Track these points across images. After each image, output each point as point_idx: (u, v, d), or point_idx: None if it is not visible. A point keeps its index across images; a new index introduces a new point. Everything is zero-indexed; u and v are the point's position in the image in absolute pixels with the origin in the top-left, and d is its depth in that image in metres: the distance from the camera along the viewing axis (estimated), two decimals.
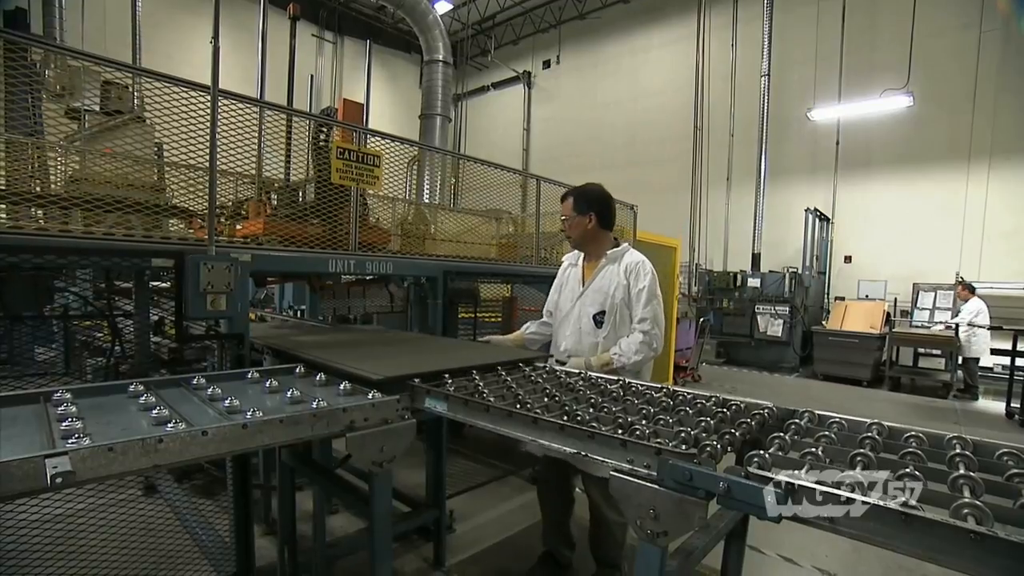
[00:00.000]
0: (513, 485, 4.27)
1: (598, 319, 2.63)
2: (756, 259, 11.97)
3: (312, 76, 16.18)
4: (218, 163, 2.55)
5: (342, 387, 1.80)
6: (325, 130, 3.28)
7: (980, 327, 8.48)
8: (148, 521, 2.86)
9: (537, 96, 17.93)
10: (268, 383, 1.85)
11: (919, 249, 10.86)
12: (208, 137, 2.46)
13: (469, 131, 19.65)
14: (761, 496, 1.03)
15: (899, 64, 10.45)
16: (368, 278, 3.89)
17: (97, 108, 3.28)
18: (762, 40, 11.75)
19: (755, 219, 11.98)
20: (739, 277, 11.43)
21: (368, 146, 3.18)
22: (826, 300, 11.93)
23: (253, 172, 3.27)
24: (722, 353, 11.68)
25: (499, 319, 5.16)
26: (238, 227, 3.36)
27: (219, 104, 2.51)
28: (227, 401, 1.60)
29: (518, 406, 1.57)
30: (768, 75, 11.79)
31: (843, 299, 11.17)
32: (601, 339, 2.62)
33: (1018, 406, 6.92)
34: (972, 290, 8.86)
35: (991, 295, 9.04)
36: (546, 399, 1.69)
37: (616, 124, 15.48)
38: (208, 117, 2.46)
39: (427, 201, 5.51)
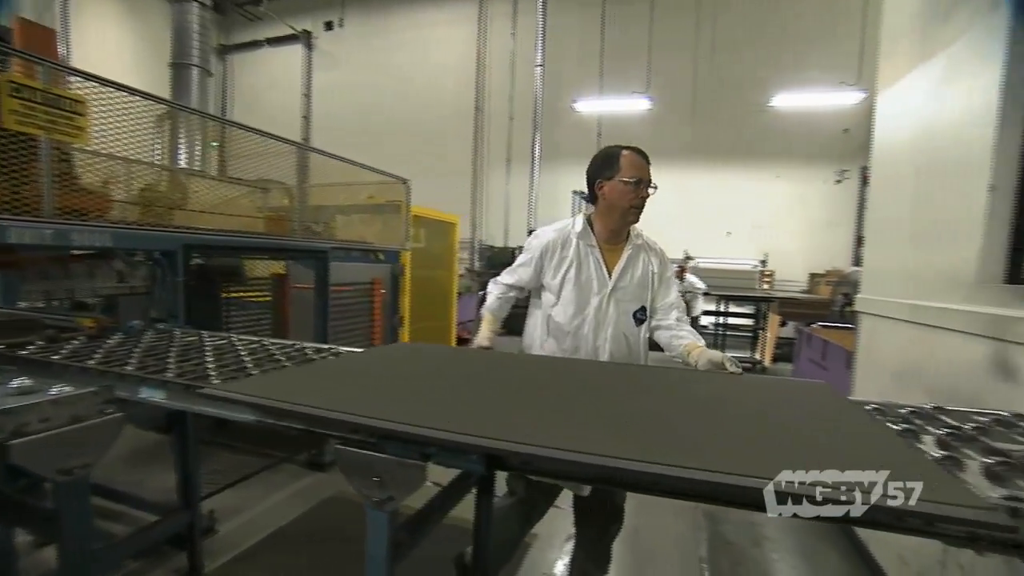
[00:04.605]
0: (288, 472, 4.05)
1: (639, 316, 2.25)
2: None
3: None
4: None
5: (15, 384, 1.43)
6: None
7: (697, 292, 10.67)
8: None
9: (319, 60, 16.53)
10: None
11: (660, 231, 13.05)
12: None
13: (239, 90, 17.28)
14: (460, 454, 1.11)
15: (643, 72, 12.37)
16: (89, 253, 3.17)
17: None
18: (536, 34, 12.66)
19: (530, 198, 13.00)
20: (517, 252, 12.34)
21: (71, 88, 2.55)
22: None
23: None
24: (505, 323, 12.55)
25: (269, 298, 4.71)
26: None
27: None
28: None
29: None
30: (542, 66, 12.76)
31: None
32: (643, 336, 2.27)
33: None
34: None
35: (707, 268, 11.41)
36: None
37: (402, 97, 15.17)
38: None
39: (184, 166, 4.70)
